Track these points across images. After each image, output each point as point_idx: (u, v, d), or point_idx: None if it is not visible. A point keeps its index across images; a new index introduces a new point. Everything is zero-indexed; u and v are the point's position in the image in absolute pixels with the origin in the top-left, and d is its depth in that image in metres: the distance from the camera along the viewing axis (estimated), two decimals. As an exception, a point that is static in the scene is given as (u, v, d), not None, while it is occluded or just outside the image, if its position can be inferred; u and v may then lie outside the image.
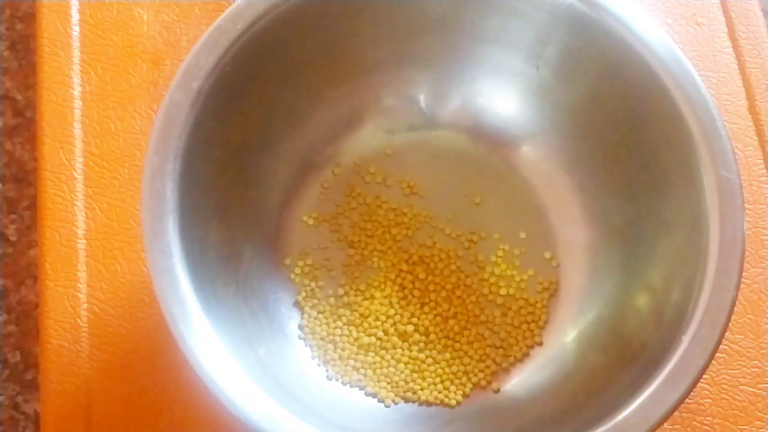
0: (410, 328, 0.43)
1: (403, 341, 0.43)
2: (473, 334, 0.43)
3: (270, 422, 0.33)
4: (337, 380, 0.42)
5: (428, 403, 0.42)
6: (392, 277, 0.44)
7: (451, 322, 0.43)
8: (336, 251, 0.45)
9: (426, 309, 0.44)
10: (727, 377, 0.44)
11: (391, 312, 0.43)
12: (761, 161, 0.49)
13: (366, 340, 0.43)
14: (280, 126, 0.44)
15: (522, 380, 0.42)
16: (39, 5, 0.49)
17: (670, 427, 0.43)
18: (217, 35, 0.38)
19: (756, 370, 0.44)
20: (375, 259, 0.45)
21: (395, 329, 0.43)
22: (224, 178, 0.41)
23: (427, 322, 0.43)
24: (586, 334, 0.42)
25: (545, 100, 0.45)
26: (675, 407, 0.34)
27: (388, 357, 0.42)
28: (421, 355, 0.43)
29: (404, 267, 0.44)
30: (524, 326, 0.44)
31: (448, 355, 0.43)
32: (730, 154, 0.38)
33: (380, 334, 0.43)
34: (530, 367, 0.43)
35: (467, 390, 0.42)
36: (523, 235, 0.46)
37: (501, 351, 0.43)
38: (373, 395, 0.42)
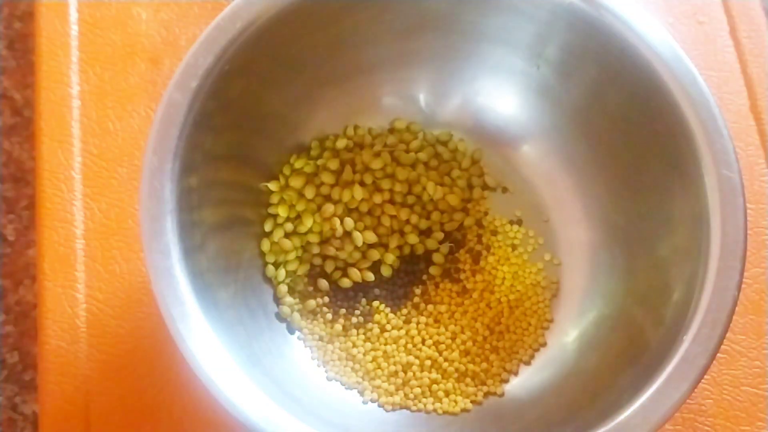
0: (412, 330, 0.43)
1: (404, 344, 0.43)
2: (477, 338, 0.43)
3: (269, 423, 0.33)
4: (336, 381, 0.42)
5: (435, 413, 0.41)
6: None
7: (452, 327, 0.43)
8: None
9: (427, 311, 0.43)
10: (729, 378, 0.44)
11: (391, 316, 0.43)
12: (763, 161, 0.49)
13: (367, 345, 0.42)
14: (280, 125, 0.44)
15: (522, 381, 0.42)
16: (37, 4, 0.48)
17: (671, 427, 0.43)
18: (216, 34, 0.37)
19: (757, 370, 0.44)
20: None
21: (396, 332, 0.43)
22: (223, 178, 0.40)
23: (428, 324, 0.43)
24: (587, 334, 0.42)
25: (546, 99, 0.44)
26: (676, 408, 0.34)
27: (389, 360, 0.42)
28: (426, 362, 0.42)
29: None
30: (530, 328, 0.43)
31: (455, 363, 0.42)
32: (732, 153, 0.37)
33: (381, 336, 0.43)
34: (531, 368, 0.43)
35: (478, 397, 0.42)
36: (523, 235, 0.45)
37: (508, 355, 0.43)
38: (373, 400, 0.42)
